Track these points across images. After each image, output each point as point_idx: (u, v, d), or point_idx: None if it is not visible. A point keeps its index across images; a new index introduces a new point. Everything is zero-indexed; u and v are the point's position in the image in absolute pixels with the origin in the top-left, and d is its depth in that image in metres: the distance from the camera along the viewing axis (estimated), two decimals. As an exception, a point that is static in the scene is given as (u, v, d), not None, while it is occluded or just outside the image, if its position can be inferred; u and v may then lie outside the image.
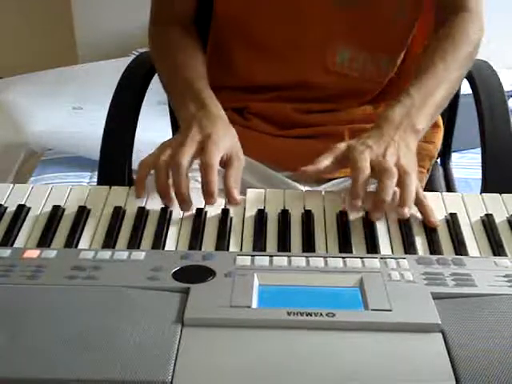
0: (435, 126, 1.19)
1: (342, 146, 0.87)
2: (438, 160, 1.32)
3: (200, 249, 0.76)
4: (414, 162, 0.86)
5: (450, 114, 1.30)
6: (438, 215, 0.82)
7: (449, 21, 1.03)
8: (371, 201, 0.81)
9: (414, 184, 0.82)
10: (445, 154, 1.30)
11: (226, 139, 0.88)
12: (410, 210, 0.80)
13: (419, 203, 0.82)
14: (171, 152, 0.85)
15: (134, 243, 0.77)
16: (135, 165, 1.07)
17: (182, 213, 0.82)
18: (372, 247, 0.76)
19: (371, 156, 0.83)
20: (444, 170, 1.32)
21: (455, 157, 2.06)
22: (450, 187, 1.29)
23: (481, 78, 1.16)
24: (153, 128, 1.61)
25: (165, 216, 0.81)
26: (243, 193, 0.86)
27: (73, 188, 0.87)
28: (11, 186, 0.88)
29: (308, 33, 1.06)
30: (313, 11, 1.05)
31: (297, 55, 1.08)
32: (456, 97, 1.31)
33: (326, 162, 0.86)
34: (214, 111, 0.93)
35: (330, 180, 1.06)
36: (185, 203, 0.82)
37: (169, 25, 1.09)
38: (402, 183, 0.81)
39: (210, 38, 1.17)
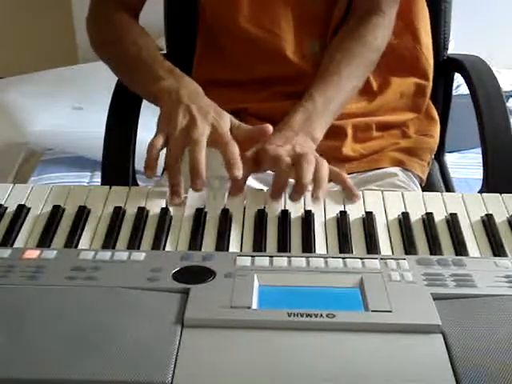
0: (432, 119, 1.19)
1: (249, 153, 0.89)
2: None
3: (200, 249, 0.76)
4: (321, 158, 0.90)
5: (443, 109, 1.30)
6: (438, 215, 0.82)
7: (362, 23, 1.05)
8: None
9: (326, 167, 0.85)
10: (439, 149, 1.29)
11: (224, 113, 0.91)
12: (324, 194, 0.83)
13: (339, 180, 0.87)
14: (183, 131, 0.87)
15: (133, 244, 0.77)
16: (137, 165, 1.08)
17: (182, 213, 0.82)
18: (372, 247, 0.76)
19: (282, 152, 0.87)
20: (439, 166, 1.32)
21: (455, 157, 2.07)
22: (446, 182, 1.28)
23: (476, 75, 1.16)
24: (153, 128, 1.60)
25: (165, 216, 0.81)
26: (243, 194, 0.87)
27: (73, 188, 0.87)
28: (11, 185, 0.87)
29: (283, 20, 1.07)
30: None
31: (276, 45, 1.08)
32: (449, 93, 1.31)
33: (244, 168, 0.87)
34: (195, 86, 0.96)
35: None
36: (200, 179, 0.82)
37: (117, 11, 1.09)
38: (315, 168, 0.84)
39: (198, 32, 1.17)
